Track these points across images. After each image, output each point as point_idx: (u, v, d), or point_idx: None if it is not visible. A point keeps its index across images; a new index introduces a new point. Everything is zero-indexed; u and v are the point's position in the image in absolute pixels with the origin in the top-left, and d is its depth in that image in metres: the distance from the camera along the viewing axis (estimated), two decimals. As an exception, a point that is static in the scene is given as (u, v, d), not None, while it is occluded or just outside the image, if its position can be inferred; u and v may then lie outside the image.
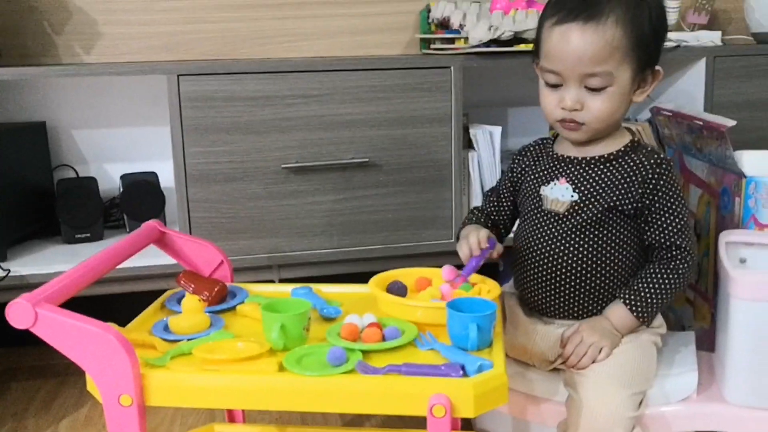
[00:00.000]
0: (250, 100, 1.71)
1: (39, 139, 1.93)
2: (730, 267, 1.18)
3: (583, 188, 1.21)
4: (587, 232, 1.20)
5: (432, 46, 2.00)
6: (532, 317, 1.27)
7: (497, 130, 1.89)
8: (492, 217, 1.37)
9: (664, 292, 1.18)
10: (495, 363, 0.95)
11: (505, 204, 1.36)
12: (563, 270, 1.21)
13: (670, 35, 2.00)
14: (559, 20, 1.16)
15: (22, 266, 1.68)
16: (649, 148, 1.22)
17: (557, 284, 1.22)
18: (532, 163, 1.30)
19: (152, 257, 1.52)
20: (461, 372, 0.94)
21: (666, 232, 1.19)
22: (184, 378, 0.97)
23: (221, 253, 1.31)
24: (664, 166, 1.19)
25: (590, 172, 1.22)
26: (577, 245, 1.20)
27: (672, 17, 2.10)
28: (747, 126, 1.86)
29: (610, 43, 1.13)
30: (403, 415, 0.93)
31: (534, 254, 1.24)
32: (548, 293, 1.23)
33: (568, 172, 1.23)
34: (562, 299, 1.23)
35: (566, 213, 1.21)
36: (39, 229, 1.89)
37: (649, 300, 1.18)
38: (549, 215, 1.23)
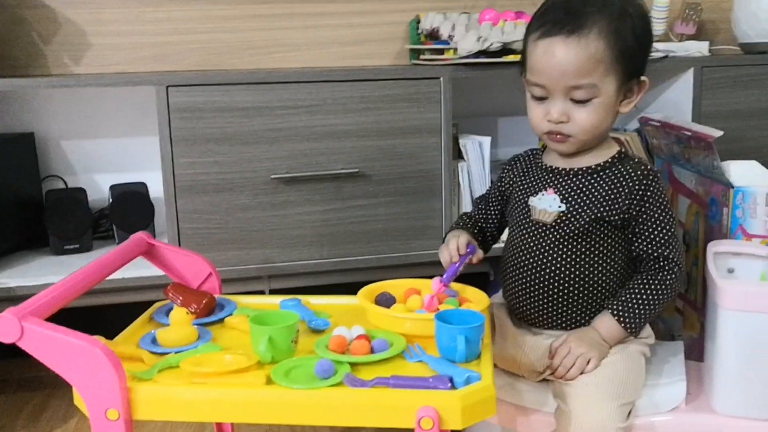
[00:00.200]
0: (240, 111, 1.71)
1: (27, 150, 1.93)
2: (717, 277, 1.18)
3: (570, 199, 1.21)
4: (575, 243, 1.20)
5: (421, 56, 2.01)
6: (521, 328, 1.27)
7: (487, 141, 1.90)
8: (480, 223, 1.37)
9: (651, 303, 1.18)
10: (483, 375, 0.95)
11: (492, 212, 1.36)
12: (551, 280, 1.22)
13: (658, 45, 2.02)
14: (543, 34, 1.17)
15: (9, 278, 1.67)
16: (636, 160, 1.23)
17: (545, 295, 1.22)
18: (521, 173, 1.31)
19: (141, 269, 1.52)
20: (449, 384, 0.93)
21: (653, 243, 1.19)
22: (172, 391, 0.96)
23: (210, 265, 1.31)
24: (651, 177, 1.19)
25: (577, 183, 1.22)
26: (564, 256, 1.21)
27: (660, 28, 2.11)
28: (734, 136, 1.87)
29: (594, 55, 1.14)
30: (391, 427, 0.93)
31: (522, 264, 1.24)
32: (536, 304, 1.24)
33: (555, 182, 1.24)
34: (550, 310, 1.23)
35: (554, 223, 1.22)
36: (27, 240, 1.89)
37: (636, 311, 1.18)
38: (537, 226, 1.23)
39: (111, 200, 1.89)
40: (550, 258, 1.22)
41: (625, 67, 1.17)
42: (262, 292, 1.83)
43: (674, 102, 1.99)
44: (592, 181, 1.22)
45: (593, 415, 1.10)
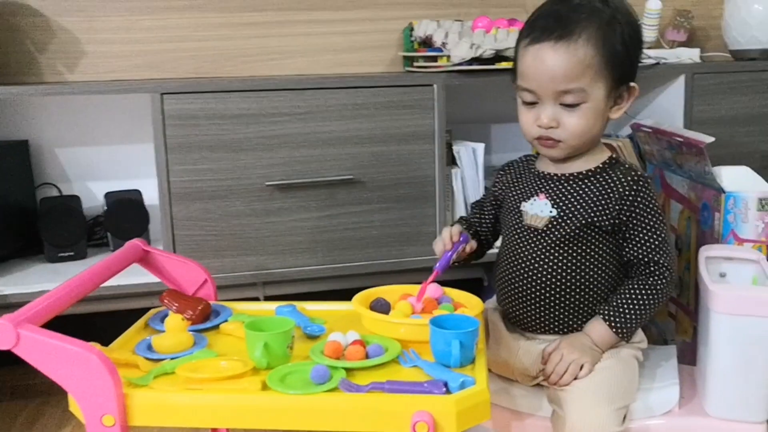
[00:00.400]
0: (234, 118, 1.71)
1: (22, 158, 1.93)
2: (709, 281, 1.19)
3: (561, 204, 1.22)
4: (566, 248, 1.21)
5: (415, 64, 2.02)
6: (514, 333, 1.28)
7: (480, 147, 1.91)
8: (475, 227, 1.38)
9: (642, 307, 1.19)
10: (477, 379, 0.96)
11: (486, 217, 1.37)
12: (543, 285, 1.22)
13: (650, 52, 2.03)
14: (532, 40, 1.18)
15: (4, 285, 1.67)
16: (627, 165, 1.24)
17: (537, 299, 1.23)
18: (514, 179, 1.31)
19: (136, 276, 1.52)
20: (444, 389, 0.94)
21: (644, 248, 1.20)
22: (168, 397, 0.96)
23: (205, 271, 1.31)
24: (641, 182, 1.20)
25: (568, 188, 1.23)
26: (556, 260, 1.21)
27: (651, 35, 2.13)
28: (725, 142, 1.89)
29: (582, 61, 1.15)
30: (386, 432, 0.93)
31: (515, 269, 1.25)
32: (529, 308, 1.24)
33: (547, 188, 1.25)
34: (542, 314, 1.24)
35: (545, 228, 1.22)
36: (21, 248, 1.89)
37: (628, 316, 1.19)
38: (529, 231, 1.24)
39: (106, 207, 1.89)
40: (541, 263, 1.22)
41: (614, 73, 1.18)
42: (256, 299, 1.83)
43: (666, 108, 2.00)
44: (583, 186, 1.23)
45: (589, 419, 1.10)
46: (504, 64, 1.79)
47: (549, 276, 1.22)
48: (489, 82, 1.81)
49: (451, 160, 1.91)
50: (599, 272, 1.22)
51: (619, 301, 1.20)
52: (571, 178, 1.24)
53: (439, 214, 1.86)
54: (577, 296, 1.22)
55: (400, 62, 2.16)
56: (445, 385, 0.95)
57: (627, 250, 1.21)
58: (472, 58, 1.78)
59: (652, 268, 1.20)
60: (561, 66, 1.15)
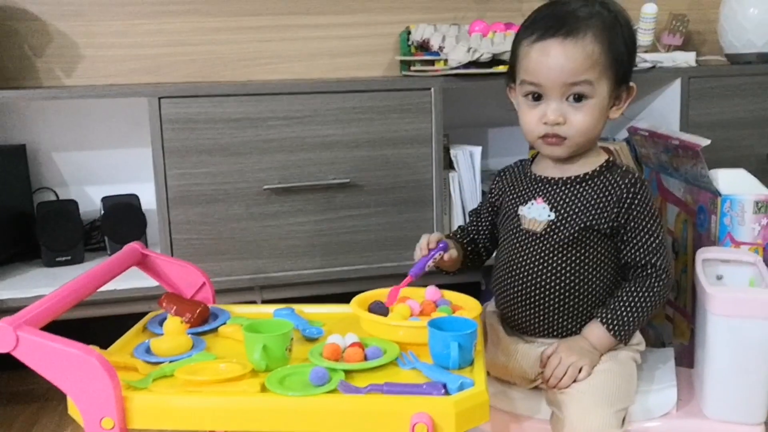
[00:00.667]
0: (232, 122, 1.72)
1: (19, 162, 1.93)
2: (706, 284, 1.19)
3: (559, 208, 1.23)
4: (564, 251, 1.21)
5: (412, 68, 2.02)
6: (512, 336, 1.28)
7: (477, 151, 1.91)
8: (472, 235, 1.38)
9: (640, 310, 1.19)
10: (476, 381, 0.96)
11: (484, 224, 1.37)
12: (541, 289, 1.23)
13: (646, 56, 2.04)
14: (538, 38, 1.18)
15: (1, 290, 1.67)
16: (624, 168, 1.24)
17: (536, 303, 1.23)
18: (510, 183, 1.32)
19: (134, 279, 1.52)
20: (443, 390, 0.94)
21: (641, 251, 1.20)
22: (167, 400, 0.96)
23: (203, 274, 1.31)
24: (638, 185, 1.21)
25: (566, 191, 1.23)
26: (554, 264, 1.22)
27: (647, 38, 2.14)
28: (721, 145, 1.89)
29: (590, 56, 1.16)
30: (385, 434, 0.93)
31: (513, 273, 1.25)
32: (527, 312, 1.24)
33: (545, 191, 1.25)
34: (540, 318, 1.24)
35: (543, 232, 1.23)
36: (19, 253, 1.88)
37: (625, 319, 1.19)
38: (527, 235, 1.24)
39: (103, 212, 1.89)
40: (540, 266, 1.23)
41: (616, 72, 1.19)
42: (254, 303, 1.82)
43: (662, 112, 2.01)
44: (581, 189, 1.23)
45: (589, 422, 1.11)
46: (501, 68, 1.79)
47: (547, 280, 1.22)
48: (486, 86, 1.81)
49: (449, 164, 1.91)
50: (597, 275, 1.22)
51: (616, 304, 1.20)
52: (569, 181, 1.24)
53: (437, 218, 1.86)
54: (576, 300, 1.22)
55: (397, 66, 2.17)
56: (444, 386, 0.95)
57: (624, 252, 1.22)
58: (469, 61, 1.79)
59: (649, 271, 1.20)
60: (570, 59, 1.16)
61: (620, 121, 1.50)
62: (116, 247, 1.81)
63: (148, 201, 1.86)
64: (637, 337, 1.26)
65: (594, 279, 1.22)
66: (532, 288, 1.23)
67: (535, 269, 1.23)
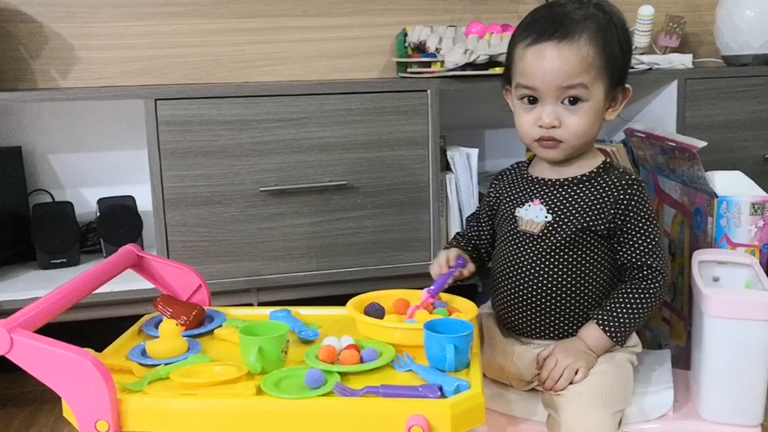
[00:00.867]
0: (228, 124, 1.71)
1: (14, 164, 1.92)
2: (703, 285, 1.19)
3: (556, 209, 1.22)
4: (561, 253, 1.21)
5: (409, 69, 2.02)
6: (509, 338, 1.28)
7: (474, 152, 1.91)
8: (473, 241, 1.38)
9: (636, 312, 1.19)
10: (472, 383, 0.95)
11: (484, 228, 1.37)
12: (538, 290, 1.22)
13: (643, 58, 2.04)
14: (533, 41, 1.18)
15: (-4, 292, 1.66)
16: (621, 169, 1.24)
17: (532, 304, 1.23)
18: (508, 186, 1.31)
19: (129, 282, 1.51)
20: (439, 393, 0.94)
21: (637, 252, 1.20)
22: (162, 403, 0.96)
23: (199, 277, 1.31)
24: (635, 187, 1.21)
25: (563, 193, 1.23)
26: (551, 266, 1.22)
27: (644, 40, 2.14)
28: (718, 147, 1.89)
29: (585, 59, 1.16)
30: (381, 436, 0.93)
31: (510, 275, 1.25)
32: (524, 313, 1.24)
33: (542, 193, 1.25)
34: (537, 319, 1.24)
35: (540, 234, 1.22)
36: (14, 255, 1.88)
37: (622, 320, 1.19)
38: (524, 236, 1.24)
39: (98, 214, 1.89)
40: (537, 268, 1.22)
41: (611, 74, 1.19)
42: (250, 305, 1.82)
43: (658, 113, 2.01)
44: (578, 191, 1.23)
45: (586, 424, 1.10)
46: (498, 70, 1.79)
47: (544, 281, 1.22)
48: (483, 88, 1.81)
49: (445, 166, 1.91)
50: (594, 277, 1.22)
51: (613, 305, 1.20)
52: (566, 183, 1.24)
53: (433, 220, 1.86)
54: (572, 301, 1.22)
55: (393, 68, 2.17)
56: (440, 389, 0.95)
57: (621, 254, 1.22)
58: (466, 63, 1.79)
59: (645, 272, 1.20)
60: (565, 62, 1.16)
61: (617, 123, 1.50)
62: (112, 250, 1.80)
63: (144, 203, 1.85)
64: (634, 339, 1.26)
65: (591, 280, 1.22)
66: (529, 289, 1.23)
67: (532, 271, 1.23)
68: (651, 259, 1.20)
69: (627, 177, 1.22)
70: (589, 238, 1.21)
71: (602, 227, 1.20)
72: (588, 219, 1.20)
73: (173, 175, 1.70)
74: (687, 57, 2.12)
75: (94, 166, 2.02)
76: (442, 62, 1.83)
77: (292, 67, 2.14)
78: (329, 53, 2.15)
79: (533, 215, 1.23)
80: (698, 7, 2.37)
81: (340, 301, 1.28)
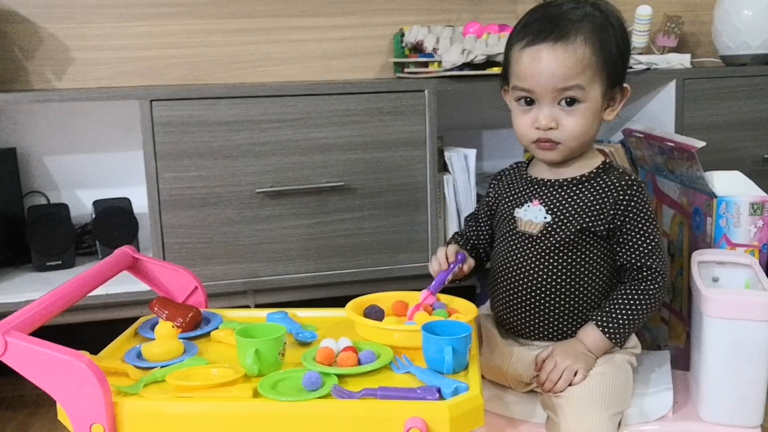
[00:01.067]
0: (224, 125, 1.70)
1: (9, 166, 1.91)
2: (702, 286, 1.19)
3: (555, 210, 1.22)
4: (560, 254, 1.21)
5: (406, 69, 2.02)
6: (508, 339, 1.27)
7: (472, 153, 1.90)
8: (472, 241, 1.37)
9: (636, 313, 1.18)
10: (471, 385, 0.95)
11: (483, 228, 1.36)
12: (537, 291, 1.22)
13: (641, 58, 2.04)
14: (529, 42, 1.18)
15: (-9, 295, 1.65)
16: (621, 170, 1.24)
17: (531, 305, 1.22)
18: (507, 186, 1.31)
19: (125, 284, 1.51)
20: (437, 395, 0.93)
21: (637, 253, 1.20)
22: (158, 406, 0.95)
23: (195, 278, 1.30)
24: (635, 187, 1.20)
25: (563, 193, 1.23)
26: (550, 266, 1.21)
27: (642, 40, 2.13)
28: (717, 147, 1.89)
29: (581, 60, 1.15)
30: (379, 439, 0.92)
31: (509, 276, 1.24)
32: (523, 314, 1.24)
33: (541, 194, 1.24)
34: (536, 320, 1.23)
35: (539, 234, 1.22)
36: (9, 257, 1.87)
37: (621, 321, 1.18)
38: (523, 237, 1.24)
39: (94, 216, 1.88)
40: (536, 269, 1.22)
41: (609, 74, 1.19)
42: (247, 307, 1.82)
43: (657, 114, 2.01)
44: (577, 191, 1.22)
45: (585, 426, 1.10)
46: (495, 70, 1.79)
47: (543, 282, 1.21)
48: (480, 88, 1.80)
49: (443, 167, 1.90)
50: (593, 278, 1.21)
51: (612, 306, 1.19)
52: (565, 183, 1.23)
53: (431, 221, 1.85)
54: (572, 302, 1.21)
55: (390, 68, 2.16)
56: (438, 391, 0.94)
57: (620, 254, 1.21)
58: (464, 63, 1.78)
59: (645, 273, 1.19)
60: (560, 64, 1.15)
61: (615, 123, 1.50)
62: (108, 252, 1.80)
63: (140, 205, 1.84)
64: (633, 340, 1.25)
65: (590, 281, 1.21)
66: (528, 290, 1.22)
67: (531, 272, 1.22)
68: (651, 260, 1.19)
69: (627, 177, 1.21)
70: (588, 239, 1.20)
71: (602, 228, 1.20)
72: (587, 220, 1.20)
73: (169, 177, 1.69)
74: (685, 57, 2.12)
75: (89, 168, 2.01)
76: (440, 62, 1.83)
77: (289, 68, 2.13)
78: (326, 53, 2.15)
79: (532, 216, 1.23)
80: (696, 7, 2.36)
81: (337, 302, 1.28)
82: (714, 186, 1.38)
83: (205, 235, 1.73)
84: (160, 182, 1.69)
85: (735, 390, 1.16)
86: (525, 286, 1.22)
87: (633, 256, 1.20)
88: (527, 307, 1.23)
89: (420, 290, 1.23)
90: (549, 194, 1.24)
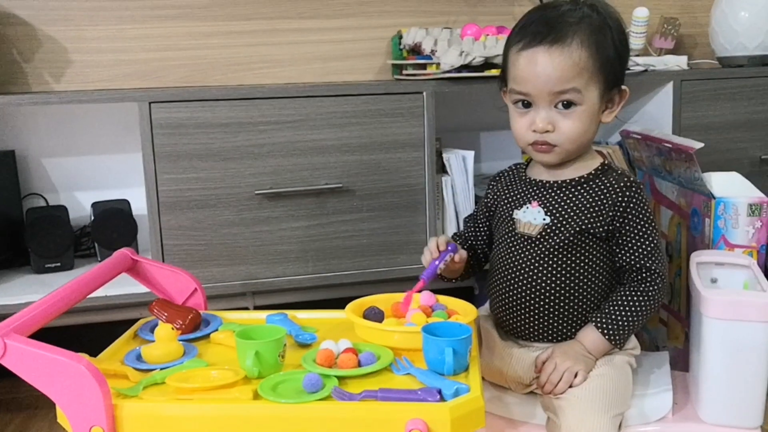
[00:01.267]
0: (223, 127, 1.70)
1: (8, 168, 1.91)
2: (701, 287, 1.19)
3: (554, 211, 1.22)
4: (560, 255, 1.21)
5: (404, 71, 2.02)
6: (507, 340, 1.27)
7: (470, 155, 1.90)
8: (470, 241, 1.37)
9: (635, 314, 1.19)
10: (472, 387, 0.95)
11: (481, 229, 1.37)
12: (536, 293, 1.22)
13: (638, 59, 2.04)
14: (525, 45, 1.18)
15: (-10, 297, 1.65)
16: (620, 171, 1.24)
17: (531, 307, 1.23)
18: (505, 187, 1.31)
19: (124, 286, 1.50)
20: (438, 396, 0.93)
21: (636, 254, 1.20)
22: (158, 408, 0.95)
23: (195, 280, 1.30)
24: (633, 188, 1.20)
25: (562, 195, 1.23)
26: (549, 268, 1.21)
27: (639, 42, 2.14)
28: (714, 148, 1.89)
29: (577, 63, 1.15)
30: (380, 440, 0.92)
31: (508, 277, 1.24)
32: (522, 316, 1.24)
33: (540, 195, 1.24)
34: (535, 322, 1.23)
35: (538, 236, 1.22)
36: (8, 259, 1.87)
37: (620, 323, 1.18)
38: (522, 239, 1.24)
39: (93, 218, 1.87)
40: (535, 270, 1.22)
41: (606, 76, 1.19)
42: (246, 309, 1.81)
43: (654, 115, 2.01)
44: (576, 193, 1.22)
45: (586, 427, 1.10)
46: (493, 72, 1.78)
47: (543, 284, 1.21)
48: (478, 90, 1.80)
49: (441, 168, 1.90)
50: (593, 279, 1.21)
51: (611, 308, 1.19)
52: (564, 185, 1.23)
53: (429, 223, 1.85)
54: (571, 304, 1.21)
55: (389, 70, 2.16)
56: (439, 392, 0.94)
57: (619, 256, 1.21)
58: (462, 65, 1.78)
59: (644, 275, 1.20)
60: (556, 68, 1.15)
61: (613, 125, 1.50)
62: (106, 254, 1.79)
63: (139, 207, 1.84)
64: (633, 341, 1.25)
65: (589, 283, 1.21)
66: (527, 292, 1.22)
67: (530, 273, 1.22)
68: (650, 262, 1.19)
69: (625, 179, 1.21)
70: (587, 241, 1.20)
71: (601, 229, 1.20)
72: (586, 221, 1.20)
73: (168, 179, 1.69)
74: (682, 58, 2.12)
75: (88, 170, 2.01)
76: (438, 64, 1.83)
77: (287, 70, 2.13)
78: (324, 55, 2.15)
79: (531, 217, 1.23)
80: (693, 9, 2.37)
81: (336, 304, 1.27)
82: (712, 187, 1.38)
83: (204, 237, 1.73)
84: (159, 184, 1.68)
85: (734, 391, 1.17)
86: (524, 287, 1.23)
87: (632, 257, 1.20)
88: (526, 309, 1.23)
89: (420, 292, 1.23)
90: (548, 196, 1.24)
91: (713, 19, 2.17)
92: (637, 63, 2.00)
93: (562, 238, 1.20)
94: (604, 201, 1.20)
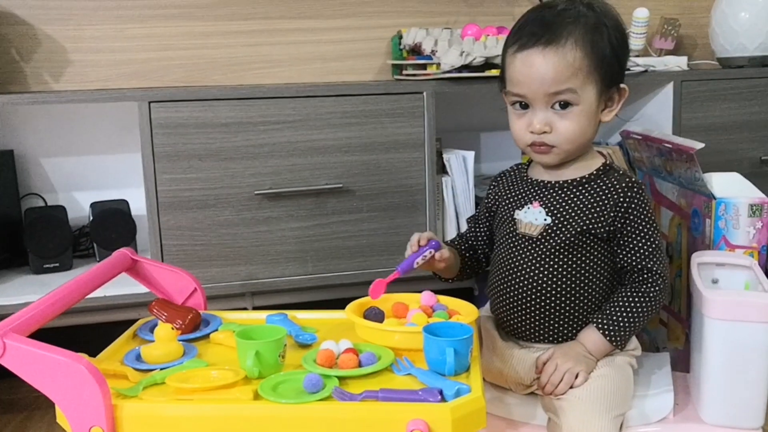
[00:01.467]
0: (223, 127, 1.70)
1: (6, 168, 1.91)
2: (702, 287, 1.19)
3: (555, 212, 1.22)
4: (561, 256, 1.20)
5: (404, 71, 2.01)
6: (508, 341, 1.27)
7: (470, 155, 1.90)
8: (470, 242, 1.37)
9: (636, 315, 1.18)
10: (473, 387, 0.95)
11: (482, 230, 1.36)
12: (537, 293, 1.21)
13: (638, 60, 2.04)
14: (520, 47, 1.18)
15: (-11, 297, 1.64)
16: (621, 172, 1.24)
17: (532, 308, 1.22)
18: (506, 188, 1.31)
19: (124, 286, 1.50)
20: (439, 397, 0.93)
21: (637, 255, 1.20)
22: (157, 408, 0.95)
23: (194, 280, 1.30)
24: (635, 189, 1.20)
25: (563, 195, 1.23)
26: (550, 268, 1.21)
27: (639, 43, 2.14)
28: (715, 148, 1.89)
29: (572, 64, 1.15)
30: (381, 441, 0.92)
31: (509, 278, 1.24)
32: (523, 317, 1.23)
33: (541, 195, 1.24)
34: (536, 323, 1.23)
35: (540, 237, 1.22)
36: (6, 260, 1.86)
37: (621, 324, 1.18)
38: (523, 239, 1.23)
39: (92, 218, 1.87)
40: (536, 271, 1.22)
41: (603, 75, 1.18)
42: (245, 310, 1.81)
43: (654, 116, 2.01)
44: (577, 193, 1.22)
45: (587, 428, 1.10)
46: (494, 72, 1.78)
47: (544, 284, 1.21)
48: (479, 90, 1.80)
49: (441, 169, 1.90)
50: (594, 280, 1.21)
51: (612, 309, 1.19)
52: (565, 185, 1.23)
53: (429, 223, 1.85)
54: (572, 304, 1.21)
55: (389, 70, 2.16)
56: (440, 393, 0.94)
57: (621, 257, 1.21)
58: (462, 65, 1.78)
59: (645, 275, 1.19)
60: (551, 69, 1.15)
61: (613, 125, 1.50)
62: (105, 254, 1.79)
63: (138, 207, 1.84)
64: (634, 342, 1.25)
65: (590, 283, 1.21)
66: (528, 293, 1.22)
67: (531, 274, 1.22)
68: (651, 263, 1.19)
69: (627, 179, 1.21)
70: (588, 241, 1.20)
71: (602, 230, 1.19)
72: (588, 221, 1.19)
73: (167, 179, 1.68)
74: (682, 59, 2.12)
75: (87, 170, 2.00)
76: (438, 64, 1.83)
77: (287, 70, 2.13)
78: (324, 55, 2.15)
79: (532, 218, 1.23)
80: (693, 10, 2.37)
81: (336, 304, 1.27)
82: (713, 187, 1.38)
83: (204, 237, 1.72)
84: (159, 184, 1.68)
85: (735, 392, 1.16)
86: (525, 288, 1.22)
87: (633, 258, 1.20)
88: (527, 310, 1.23)
89: (419, 292, 1.23)
90: (549, 196, 1.23)
91: (713, 20, 2.17)
92: (637, 63, 2.00)
93: (564, 238, 1.20)
94: (606, 201, 1.20)
